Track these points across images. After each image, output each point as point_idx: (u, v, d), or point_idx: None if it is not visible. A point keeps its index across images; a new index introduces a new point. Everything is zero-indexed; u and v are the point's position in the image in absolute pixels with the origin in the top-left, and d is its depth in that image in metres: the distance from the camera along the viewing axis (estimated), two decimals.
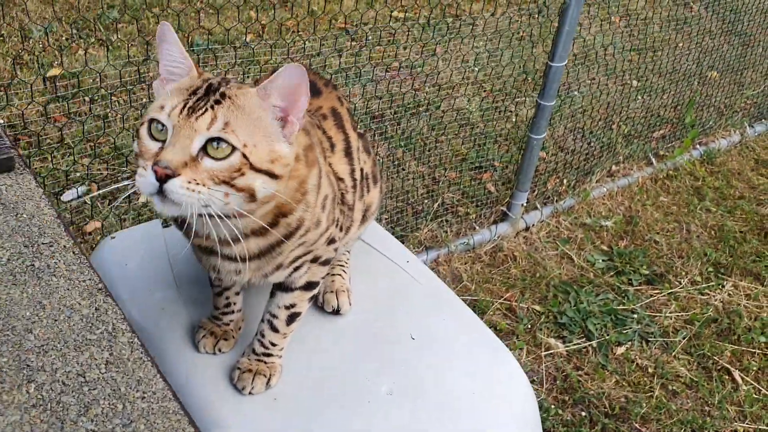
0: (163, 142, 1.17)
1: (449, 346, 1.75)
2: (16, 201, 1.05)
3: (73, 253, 0.94)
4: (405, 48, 4.64)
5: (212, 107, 1.17)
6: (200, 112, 1.16)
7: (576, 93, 4.43)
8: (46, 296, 0.90)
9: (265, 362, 1.56)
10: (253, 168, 1.18)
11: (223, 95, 1.19)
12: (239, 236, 1.30)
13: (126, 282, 1.77)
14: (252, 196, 1.20)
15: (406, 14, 5.13)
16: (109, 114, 3.73)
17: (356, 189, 1.62)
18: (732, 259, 3.49)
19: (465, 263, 3.29)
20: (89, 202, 3.20)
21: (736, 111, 4.71)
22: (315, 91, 1.59)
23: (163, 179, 1.12)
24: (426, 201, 3.52)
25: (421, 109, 4.12)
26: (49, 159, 3.39)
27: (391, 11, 5.24)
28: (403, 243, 3.26)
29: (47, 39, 4.32)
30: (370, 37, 4.58)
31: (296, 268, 1.46)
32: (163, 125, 1.18)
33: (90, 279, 0.91)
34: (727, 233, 3.65)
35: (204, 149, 1.16)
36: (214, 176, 1.16)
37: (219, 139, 1.16)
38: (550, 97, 3.11)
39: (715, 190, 4.02)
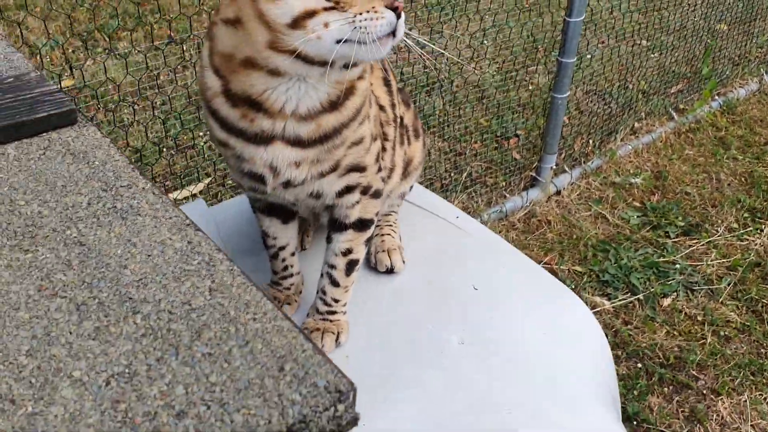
0: None
1: (513, 294, 1.71)
2: (85, 150, 1.02)
3: (153, 193, 0.91)
4: (410, 29, 4.60)
5: None
6: None
7: (589, 55, 4.39)
8: (134, 234, 0.87)
9: (331, 320, 1.52)
10: None
11: None
12: (324, 104, 1.25)
13: None
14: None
15: None
16: (125, 118, 3.71)
17: (396, 127, 1.58)
18: (767, 203, 3.44)
19: (500, 232, 3.25)
20: None
21: (751, 60, 4.66)
22: None
23: (400, 15, 1.12)
24: (453, 174, 3.48)
25: (436, 84, 4.08)
26: None
27: None
28: None
29: (54, 53, 4.31)
30: None
31: (349, 188, 1.39)
32: None
33: (177, 216, 0.88)
34: (757, 179, 3.60)
35: None
36: None
37: None
38: (570, 53, 3.07)
39: (739, 138, 3.97)
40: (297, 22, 1.10)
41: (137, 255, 0.82)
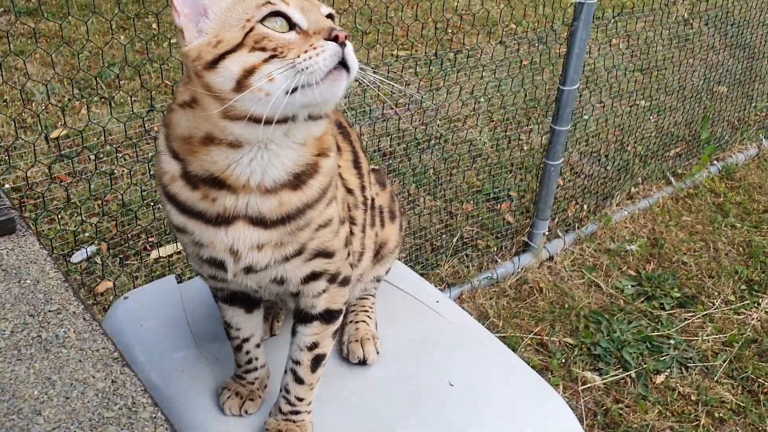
0: (293, 30, 1.09)
1: (491, 391, 1.63)
2: (18, 266, 0.96)
3: (84, 319, 0.84)
4: (409, 84, 4.59)
5: None
6: None
7: (586, 117, 4.36)
8: (55, 371, 0.80)
9: (294, 421, 1.44)
10: None
11: None
12: (287, 176, 1.19)
13: (142, 344, 1.67)
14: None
15: (410, 52, 5.11)
16: (115, 170, 3.67)
17: (366, 210, 1.52)
18: (764, 274, 3.37)
19: (490, 299, 3.17)
20: (100, 262, 3.11)
21: (750, 124, 4.63)
22: None
23: (344, 44, 1.06)
24: (444, 236, 3.42)
25: (431, 143, 4.05)
26: (57, 220, 3.32)
27: (392, 51, 5.22)
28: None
29: (49, 100, 4.29)
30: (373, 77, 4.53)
31: (315, 275, 1.32)
32: (279, 14, 1.09)
33: (104, 348, 0.81)
34: (755, 249, 3.53)
35: None
36: None
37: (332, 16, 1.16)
38: (564, 121, 3.03)
39: (738, 205, 3.91)
40: (241, 84, 1.06)
41: (54, 398, 0.75)
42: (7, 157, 3.08)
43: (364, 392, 1.59)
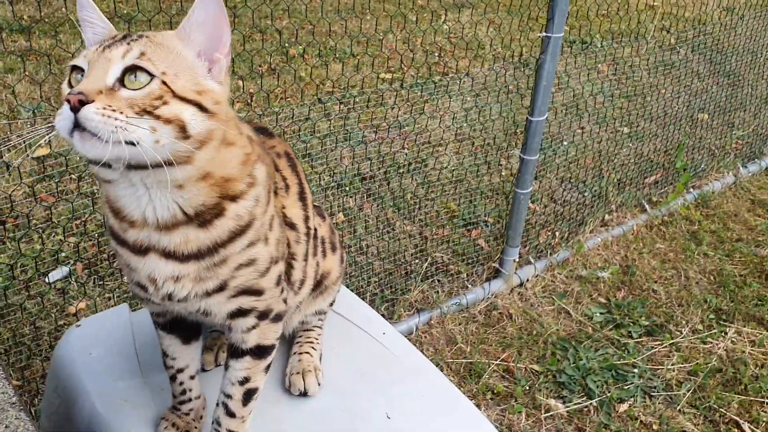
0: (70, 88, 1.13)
1: (428, 426, 1.67)
2: None
3: None
4: (392, 108, 4.65)
5: (128, 43, 1.13)
6: (116, 46, 1.13)
7: (565, 143, 4.41)
8: None
9: None
10: (177, 96, 1.11)
11: (140, 36, 1.16)
12: (180, 214, 1.21)
13: (90, 372, 1.71)
14: (183, 130, 1.11)
15: (393, 75, 5.18)
16: (96, 191, 3.72)
17: (309, 240, 1.56)
18: (733, 304, 3.40)
19: (459, 324, 3.21)
20: (74, 282, 3.16)
21: (728, 152, 4.67)
22: (268, 134, 1.56)
23: (76, 107, 1.05)
24: (416, 261, 3.46)
25: (410, 167, 4.10)
26: (35, 239, 3.37)
27: (378, 74, 5.29)
28: (393, 305, 3.21)
29: (35, 119, 4.36)
30: (357, 100, 4.60)
31: (242, 311, 1.36)
32: (81, 69, 1.14)
33: (3, 392, 0.85)
34: (726, 278, 3.56)
35: (122, 81, 1.10)
36: (134, 104, 1.08)
37: (136, 68, 1.09)
38: (532, 151, 3.08)
39: (712, 233, 3.95)
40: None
41: None
42: None
43: (303, 424, 1.63)
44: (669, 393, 2.93)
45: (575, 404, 2.85)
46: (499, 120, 4.44)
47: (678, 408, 2.85)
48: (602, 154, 4.27)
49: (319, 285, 1.72)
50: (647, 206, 4.04)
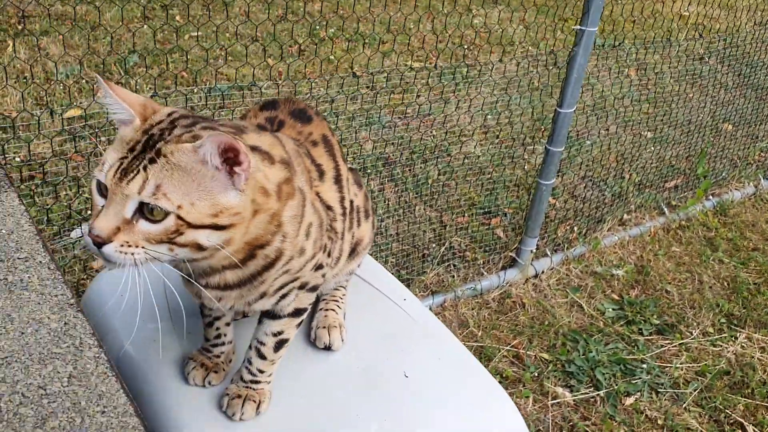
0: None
1: (443, 386, 1.71)
2: None
3: (49, 268, 0.94)
4: (419, 96, 4.69)
5: (144, 168, 1.15)
6: (132, 175, 1.14)
7: (588, 142, 4.43)
8: (15, 309, 0.89)
9: (254, 389, 1.54)
10: (192, 226, 1.16)
11: (158, 152, 1.16)
12: (213, 270, 1.31)
13: (120, 313, 1.77)
14: (200, 248, 1.19)
15: (422, 64, 5.21)
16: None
17: (345, 218, 1.61)
18: (745, 311, 3.42)
19: (472, 309, 3.25)
20: None
21: (750, 163, 4.68)
22: (306, 118, 1.60)
23: (98, 245, 1.14)
24: (434, 245, 3.50)
25: (432, 154, 4.13)
26: (62, 197, 3.43)
27: (406, 62, 5.33)
28: (408, 286, 3.25)
29: (69, 81, 4.43)
30: (385, 85, 4.64)
31: (283, 296, 1.44)
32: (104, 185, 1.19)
33: (62, 294, 0.91)
34: (740, 285, 3.58)
35: (140, 210, 1.15)
36: (151, 238, 1.15)
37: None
38: (558, 143, 3.11)
39: (729, 241, 3.96)
40: None
41: (11, 331, 0.85)
42: (20, 132, 3.20)
43: (324, 374, 1.68)
44: (676, 391, 2.95)
45: (582, 394, 2.89)
46: (524, 115, 4.48)
47: (684, 406, 2.88)
48: (624, 156, 4.29)
49: (352, 252, 1.77)
50: (666, 210, 4.06)
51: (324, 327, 1.76)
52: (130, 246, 1.14)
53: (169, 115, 1.25)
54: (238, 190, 1.19)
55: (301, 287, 1.47)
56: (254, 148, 1.26)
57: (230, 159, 1.16)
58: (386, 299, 1.94)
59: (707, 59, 5.64)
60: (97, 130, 3.63)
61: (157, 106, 1.27)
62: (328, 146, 1.59)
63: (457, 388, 1.72)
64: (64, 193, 3.45)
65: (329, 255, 1.54)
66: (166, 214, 1.14)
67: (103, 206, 1.17)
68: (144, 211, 1.15)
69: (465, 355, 1.81)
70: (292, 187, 1.33)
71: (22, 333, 0.87)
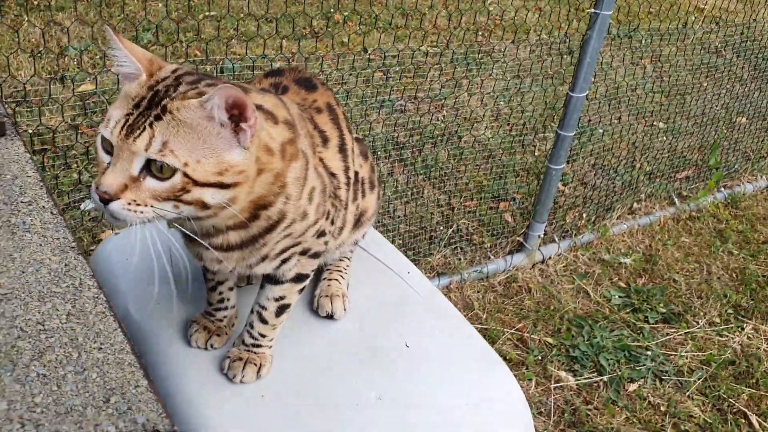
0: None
1: (444, 357, 1.71)
2: (2, 163, 1.06)
3: (51, 213, 0.95)
4: (431, 81, 4.67)
5: (151, 125, 1.14)
6: (138, 131, 1.14)
7: (600, 130, 4.41)
8: (17, 250, 0.90)
9: (255, 352, 1.55)
10: (198, 184, 1.16)
11: (164, 109, 1.15)
12: (216, 230, 1.31)
13: (126, 276, 1.78)
14: (204, 205, 1.19)
15: (434, 49, 5.19)
16: None
17: (350, 187, 1.61)
18: (753, 302, 3.40)
19: (477, 291, 3.24)
20: None
21: (764, 156, 4.64)
22: (311, 86, 1.60)
23: (105, 201, 1.13)
24: (441, 228, 3.50)
25: (442, 138, 4.13)
26: (74, 168, 3.45)
27: (419, 46, 5.31)
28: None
29: (81, 57, 4.44)
30: (397, 69, 4.63)
31: (284, 261, 1.44)
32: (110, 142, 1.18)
33: (64, 237, 0.91)
34: (748, 276, 3.56)
35: (147, 167, 1.15)
36: (158, 196, 1.15)
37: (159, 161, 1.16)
38: (569, 127, 3.09)
39: (739, 233, 3.94)
40: None
41: (12, 270, 0.85)
42: (35, 108, 3.21)
43: (325, 343, 1.68)
44: (680, 378, 2.94)
45: (585, 379, 2.88)
46: (536, 101, 4.45)
47: (687, 393, 2.87)
48: (636, 145, 4.27)
49: (356, 223, 1.77)
50: (676, 200, 4.04)
51: (327, 296, 1.76)
52: (138, 204, 1.15)
53: (174, 71, 1.25)
54: (243, 147, 1.19)
55: (303, 253, 1.47)
56: (258, 107, 1.26)
57: (235, 116, 1.16)
58: (390, 272, 1.95)
59: (723, 51, 5.59)
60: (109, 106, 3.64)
61: (163, 62, 1.27)
62: (332, 115, 1.59)
63: (458, 359, 1.72)
64: (75, 165, 3.46)
65: (332, 223, 1.54)
66: (173, 171, 1.14)
67: (109, 163, 1.17)
68: (151, 168, 1.15)
69: (466, 328, 1.82)
70: (296, 148, 1.32)
71: (23, 272, 0.87)
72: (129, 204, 1.14)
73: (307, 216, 1.38)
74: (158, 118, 1.15)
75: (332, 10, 5.77)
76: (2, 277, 0.86)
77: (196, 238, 1.31)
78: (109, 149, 1.18)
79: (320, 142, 1.51)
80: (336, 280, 1.81)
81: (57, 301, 0.85)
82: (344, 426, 1.49)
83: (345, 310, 1.76)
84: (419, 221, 3.46)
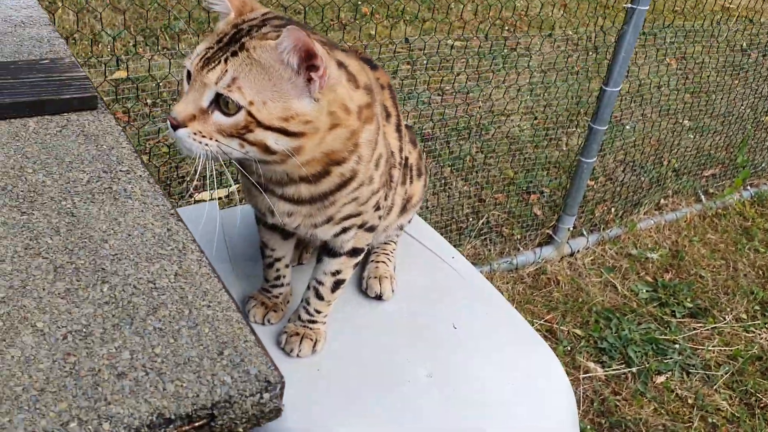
0: None
1: (491, 340, 1.75)
2: (97, 134, 1.11)
3: (148, 182, 0.99)
4: (458, 74, 4.71)
5: (226, 60, 1.17)
6: (213, 64, 1.17)
7: (627, 127, 4.43)
8: (121, 215, 0.95)
9: (311, 328, 1.60)
10: (261, 125, 1.17)
11: (242, 46, 1.17)
12: (288, 179, 1.33)
13: None
14: (267, 149, 1.20)
15: (462, 43, 5.23)
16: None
17: (401, 169, 1.65)
18: None
19: (507, 282, 3.28)
20: None
21: None
22: (373, 66, 1.63)
23: (174, 127, 1.16)
24: (471, 219, 3.54)
25: (470, 132, 4.16)
26: None
27: (445, 39, 5.34)
28: None
29: (115, 44, 4.51)
30: (424, 62, 4.67)
31: (345, 230, 1.47)
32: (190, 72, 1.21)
33: (163, 204, 0.96)
34: None
35: (216, 102, 1.17)
36: (222, 131, 1.17)
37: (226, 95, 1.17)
38: (602, 121, 3.12)
39: (765, 231, 3.96)
40: None
41: (119, 233, 0.90)
42: None
43: (375, 322, 1.73)
44: (707, 372, 2.97)
45: (614, 370, 2.92)
46: (561, 97, 4.48)
47: (714, 387, 2.90)
48: (662, 142, 4.29)
49: (403, 207, 1.81)
50: (703, 197, 4.06)
51: (375, 277, 1.81)
52: (204, 137, 1.16)
53: (264, 15, 1.27)
54: (313, 98, 1.20)
55: (361, 226, 1.50)
56: (341, 64, 1.27)
57: (309, 66, 1.18)
58: (435, 256, 1.99)
59: (749, 52, 5.59)
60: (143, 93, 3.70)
61: (257, 5, 1.30)
62: (392, 94, 1.62)
63: (504, 341, 1.76)
64: None
65: (386, 198, 1.58)
66: (238, 108, 1.15)
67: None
68: (219, 102, 1.16)
69: (511, 312, 1.86)
70: (372, 112, 1.34)
71: (129, 235, 0.92)
72: (195, 134, 1.16)
73: (372, 181, 1.41)
74: (234, 54, 1.17)
75: (360, 3, 5.81)
76: (111, 239, 0.91)
77: (262, 189, 1.34)
78: (188, 80, 1.22)
79: (384, 117, 1.55)
80: (383, 262, 1.85)
81: (164, 263, 0.90)
82: (397, 400, 1.53)
83: (393, 291, 1.81)
84: (450, 212, 3.50)
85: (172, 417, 0.72)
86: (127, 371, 0.75)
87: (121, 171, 1.02)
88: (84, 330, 0.80)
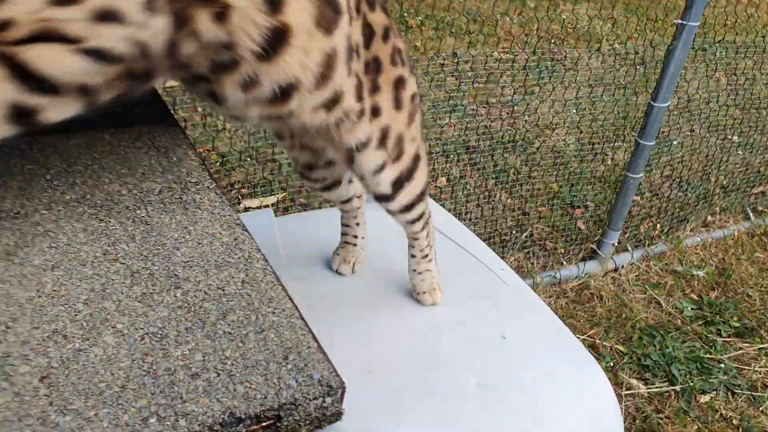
0: None
1: (540, 353, 1.77)
2: (167, 147, 1.18)
3: (216, 193, 1.05)
4: (503, 87, 4.73)
5: None
6: None
7: (674, 142, 4.40)
8: (191, 224, 1.01)
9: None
10: None
11: None
12: None
13: None
14: None
15: (507, 56, 5.25)
16: (219, 123, 3.95)
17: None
18: None
19: (550, 296, 3.29)
20: None
21: None
22: None
23: None
24: (514, 232, 3.55)
25: (516, 144, 4.18)
26: None
27: (491, 52, 5.37)
28: None
29: None
30: (469, 74, 4.70)
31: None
32: None
33: (230, 215, 1.02)
34: None
35: None
36: None
37: None
38: (650, 136, 3.12)
39: None
40: None
41: (189, 241, 0.96)
42: None
43: (425, 328, 1.77)
44: (753, 393, 2.93)
45: (657, 387, 2.90)
46: (607, 111, 4.46)
47: (761, 409, 2.86)
48: (709, 158, 4.25)
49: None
50: (751, 214, 4.01)
51: (424, 292, 1.84)
52: None
53: None
54: None
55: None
56: None
57: None
58: (485, 268, 2.02)
59: None
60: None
61: None
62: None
63: (553, 355, 1.78)
64: None
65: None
66: None
67: None
68: None
69: (560, 327, 1.87)
70: None
71: (199, 243, 0.98)
72: None
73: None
74: None
75: (406, 15, 5.88)
76: (182, 246, 0.97)
77: None
78: None
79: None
80: (428, 270, 1.85)
81: (232, 270, 0.95)
82: (447, 407, 1.56)
83: (440, 300, 1.85)
84: (493, 224, 3.52)
85: (243, 416, 0.77)
86: (200, 372, 0.81)
87: (190, 182, 1.08)
88: (160, 332, 0.86)
